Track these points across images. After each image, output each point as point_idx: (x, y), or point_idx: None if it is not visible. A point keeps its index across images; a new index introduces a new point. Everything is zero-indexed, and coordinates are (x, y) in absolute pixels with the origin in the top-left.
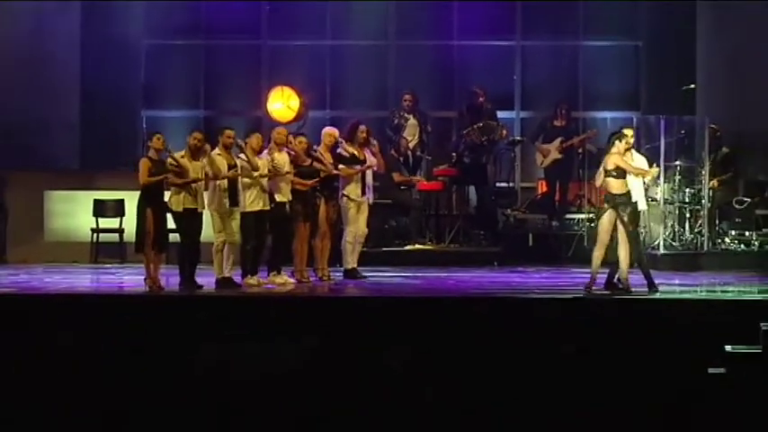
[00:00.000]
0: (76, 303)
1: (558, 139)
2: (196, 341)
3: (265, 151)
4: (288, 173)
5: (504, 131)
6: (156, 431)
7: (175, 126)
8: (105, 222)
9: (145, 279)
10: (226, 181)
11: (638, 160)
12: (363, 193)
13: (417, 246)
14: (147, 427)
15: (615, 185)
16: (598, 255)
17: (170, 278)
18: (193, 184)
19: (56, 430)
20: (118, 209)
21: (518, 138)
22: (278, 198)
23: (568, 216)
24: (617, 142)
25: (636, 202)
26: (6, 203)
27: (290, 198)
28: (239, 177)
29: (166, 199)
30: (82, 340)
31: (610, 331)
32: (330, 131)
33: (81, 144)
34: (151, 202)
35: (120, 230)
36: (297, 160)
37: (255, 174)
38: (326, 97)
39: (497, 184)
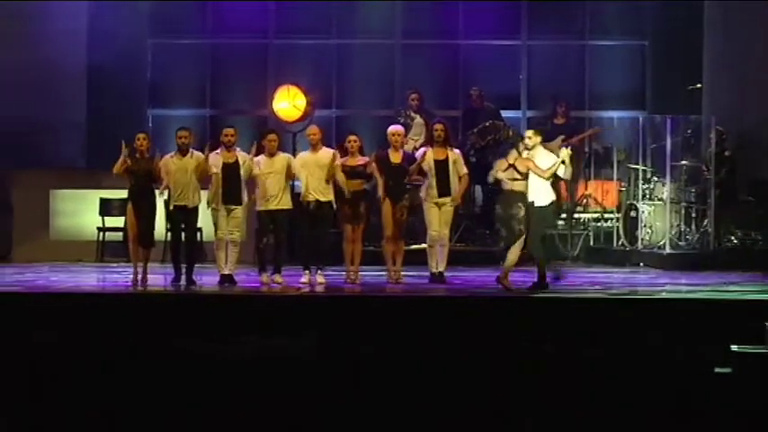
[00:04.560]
0: (83, 302)
1: (560, 138)
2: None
3: (283, 153)
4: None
5: (510, 131)
6: (150, 429)
7: (182, 125)
8: (111, 221)
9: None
10: (221, 179)
11: (545, 159)
12: (443, 193)
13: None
14: (142, 424)
15: (515, 185)
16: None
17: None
18: (182, 182)
19: (58, 429)
20: (124, 208)
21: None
22: (303, 197)
23: (574, 215)
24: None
25: (532, 202)
26: (12, 202)
27: (322, 199)
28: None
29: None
30: (86, 338)
31: (615, 331)
32: (396, 130)
33: (87, 143)
34: (132, 199)
35: (126, 229)
36: (347, 161)
37: (255, 172)
38: (333, 96)
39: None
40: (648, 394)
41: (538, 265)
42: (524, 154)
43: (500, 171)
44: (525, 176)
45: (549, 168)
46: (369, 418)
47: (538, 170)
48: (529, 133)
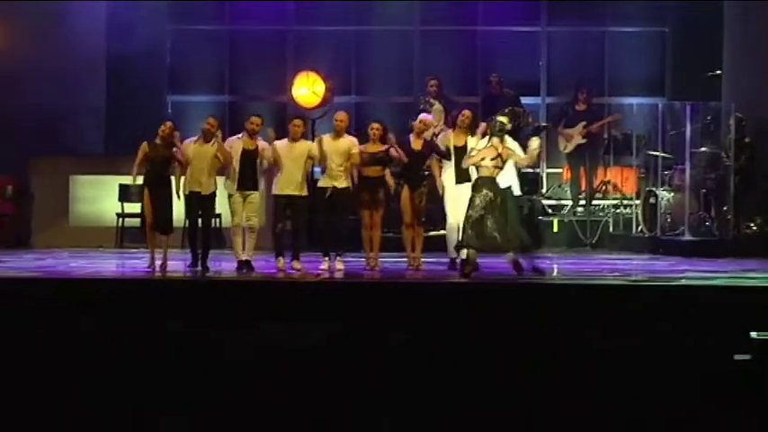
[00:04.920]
0: (103, 288)
1: (581, 124)
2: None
3: (305, 140)
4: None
5: (530, 118)
6: (168, 416)
7: (200, 111)
8: (130, 207)
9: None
10: (238, 165)
11: (514, 146)
12: (461, 180)
13: (442, 231)
14: (159, 411)
15: (485, 170)
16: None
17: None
18: (198, 168)
19: (79, 416)
20: (143, 194)
21: (543, 124)
22: (321, 183)
23: (593, 202)
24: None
25: (509, 188)
26: (32, 188)
27: (340, 185)
28: (260, 161)
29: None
30: (106, 324)
31: (634, 318)
32: (428, 120)
33: (106, 129)
34: (148, 185)
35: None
36: (367, 147)
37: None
38: (352, 83)
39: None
40: (668, 381)
41: (523, 251)
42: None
43: (489, 158)
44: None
45: (527, 156)
46: (386, 406)
47: (518, 158)
48: (504, 120)
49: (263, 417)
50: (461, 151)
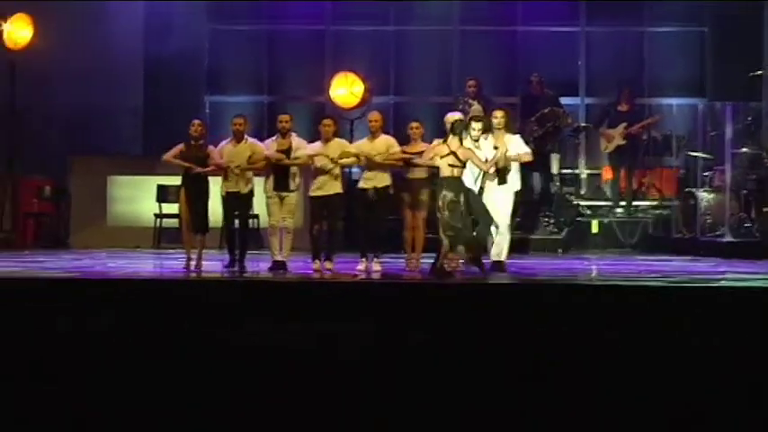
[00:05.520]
0: (140, 288)
1: (622, 125)
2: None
3: (338, 139)
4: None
5: (569, 118)
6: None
7: (239, 111)
8: (168, 207)
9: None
10: (273, 166)
11: (490, 148)
12: (500, 182)
13: None
14: (196, 411)
15: (444, 170)
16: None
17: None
18: (236, 169)
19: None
20: (179, 194)
21: (583, 124)
22: (361, 185)
23: (633, 203)
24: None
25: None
26: (70, 189)
27: (379, 185)
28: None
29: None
30: (143, 325)
31: (674, 319)
32: (456, 117)
33: (144, 129)
34: (185, 185)
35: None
36: (408, 148)
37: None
38: (390, 83)
39: (562, 171)
40: (706, 383)
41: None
42: (468, 143)
43: (438, 157)
44: (464, 164)
45: (490, 160)
46: (424, 407)
47: (478, 162)
48: (476, 125)
49: (294, 418)
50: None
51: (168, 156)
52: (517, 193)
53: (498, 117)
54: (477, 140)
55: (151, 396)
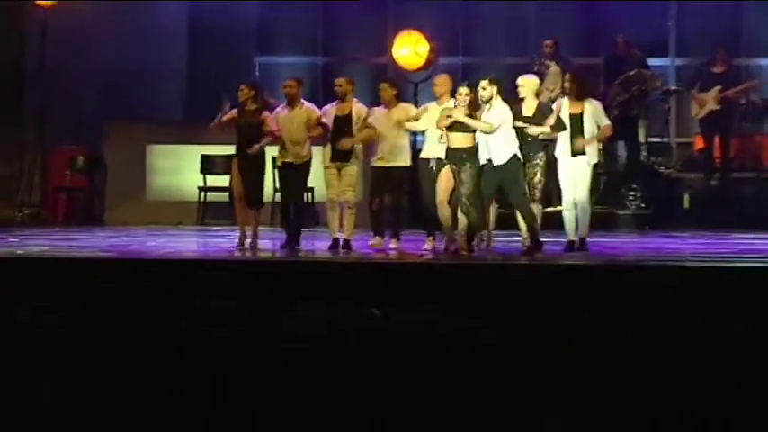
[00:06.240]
0: (183, 268)
1: (716, 88)
2: (279, 306)
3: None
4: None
5: (658, 81)
6: (261, 402)
7: (292, 74)
8: (214, 180)
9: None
10: (331, 134)
11: (497, 114)
12: (578, 152)
13: (558, 207)
14: (250, 397)
15: (455, 140)
16: (443, 214)
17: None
18: (288, 136)
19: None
20: (227, 165)
21: (673, 87)
22: (423, 154)
23: (729, 175)
24: (457, 97)
25: (478, 161)
26: (106, 158)
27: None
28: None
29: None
30: (185, 308)
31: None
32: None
33: (187, 94)
34: (238, 155)
35: (230, 189)
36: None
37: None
38: (459, 42)
39: (650, 139)
40: None
41: (528, 226)
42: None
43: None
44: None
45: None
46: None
47: (476, 124)
48: (483, 83)
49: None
50: (575, 120)
51: (215, 123)
52: (596, 166)
53: (567, 81)
54: (486, 101)
55: (204, 382)
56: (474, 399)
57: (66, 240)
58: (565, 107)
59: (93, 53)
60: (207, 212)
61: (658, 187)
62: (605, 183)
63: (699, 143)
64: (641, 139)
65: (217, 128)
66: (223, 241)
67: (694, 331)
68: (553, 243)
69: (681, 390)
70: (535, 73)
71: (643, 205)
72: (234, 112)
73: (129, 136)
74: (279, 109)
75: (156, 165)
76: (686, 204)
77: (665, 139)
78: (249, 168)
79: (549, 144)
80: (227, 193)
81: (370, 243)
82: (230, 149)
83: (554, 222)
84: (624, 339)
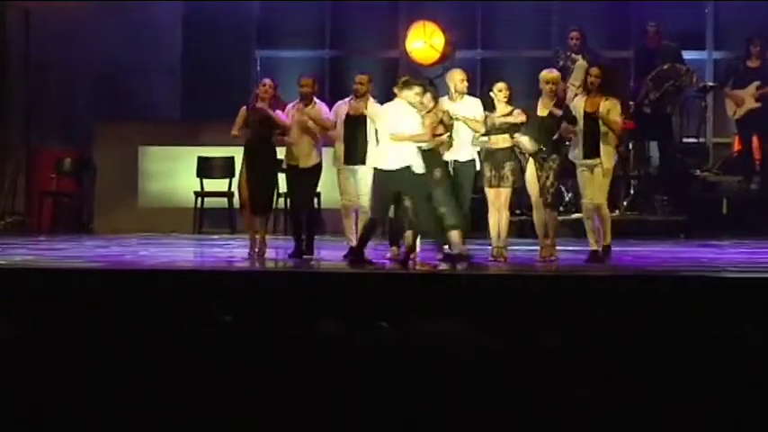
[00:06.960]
0: (177, 280)
1: (754, 84)
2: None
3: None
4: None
5: (694, 76)
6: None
7: (296, 69)
8: (211, 184)
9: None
10: (342, 134)
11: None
12: (588, 154)
13: (579, 215)
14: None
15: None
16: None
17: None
18: (292, 139)
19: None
20: (226, 168)
21: (710, 83)
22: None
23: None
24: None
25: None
26: (95, 161)
27: (462, 158)
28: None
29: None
30: (180, 322)
31: None
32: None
33: (183, 91)
34: (248, 155)
35: (230, 194)
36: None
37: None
38: (477, 35)
39: (684, 140)
40: None
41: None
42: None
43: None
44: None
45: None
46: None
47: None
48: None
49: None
50: (591, 119)
51: (233, 128)
52: (613, 169)
53: (593, 75)
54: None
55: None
56: (497, 414)
57: (51, 250)
58: (579, 104)
59: (81, 47)
60: (203, 219)
61: (694, 191)
62: (636, 187)
63: (736, 144)
64: (675, 139)
65: (238, 133)
66: (221, 251)
67: (735, 348)
68: (580, 252)
69: (722, 415)
70: (559, 68)
71: (677, 211)
72: (243, 110)
73: (121, 136)
74: (290, 107)
75: (150, 168)
76: (724, 210)
77: (701, 140)
78: (260, 170)
79: (562, 146)
80: (225, 199)
81: (389, 256)
82: (229, 151)
83: (580, 229)
84: (654, 358)
